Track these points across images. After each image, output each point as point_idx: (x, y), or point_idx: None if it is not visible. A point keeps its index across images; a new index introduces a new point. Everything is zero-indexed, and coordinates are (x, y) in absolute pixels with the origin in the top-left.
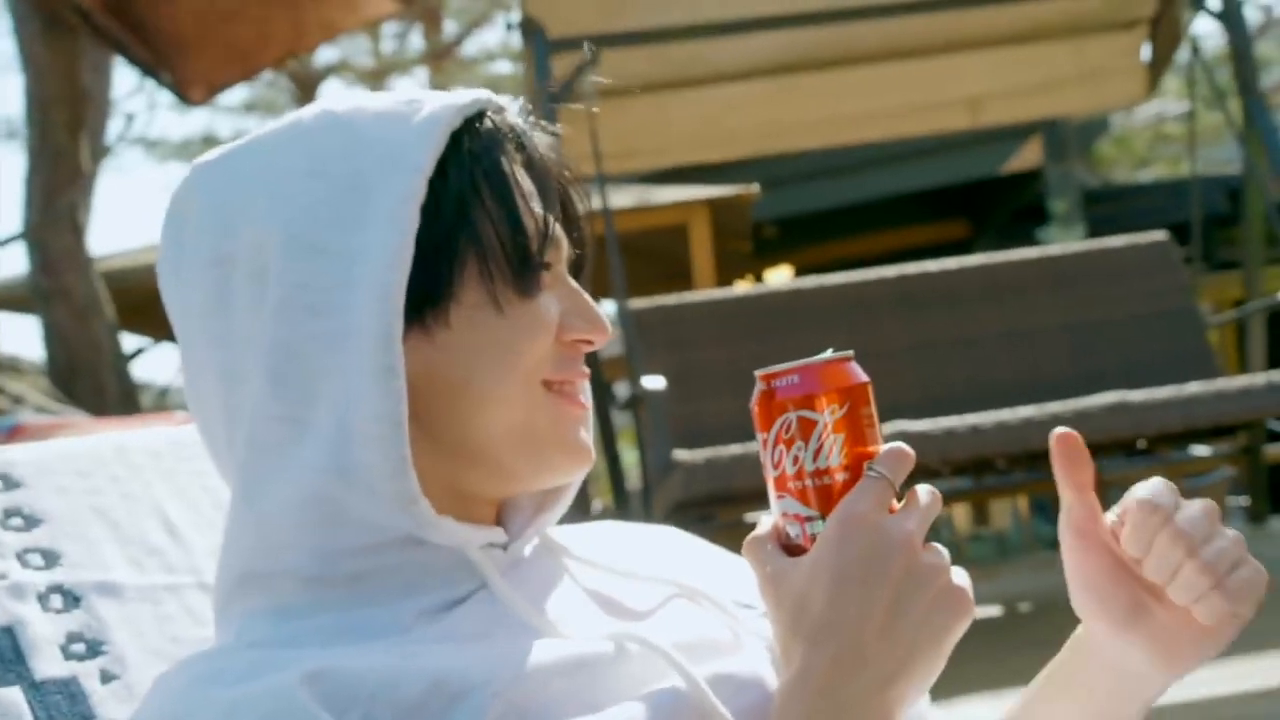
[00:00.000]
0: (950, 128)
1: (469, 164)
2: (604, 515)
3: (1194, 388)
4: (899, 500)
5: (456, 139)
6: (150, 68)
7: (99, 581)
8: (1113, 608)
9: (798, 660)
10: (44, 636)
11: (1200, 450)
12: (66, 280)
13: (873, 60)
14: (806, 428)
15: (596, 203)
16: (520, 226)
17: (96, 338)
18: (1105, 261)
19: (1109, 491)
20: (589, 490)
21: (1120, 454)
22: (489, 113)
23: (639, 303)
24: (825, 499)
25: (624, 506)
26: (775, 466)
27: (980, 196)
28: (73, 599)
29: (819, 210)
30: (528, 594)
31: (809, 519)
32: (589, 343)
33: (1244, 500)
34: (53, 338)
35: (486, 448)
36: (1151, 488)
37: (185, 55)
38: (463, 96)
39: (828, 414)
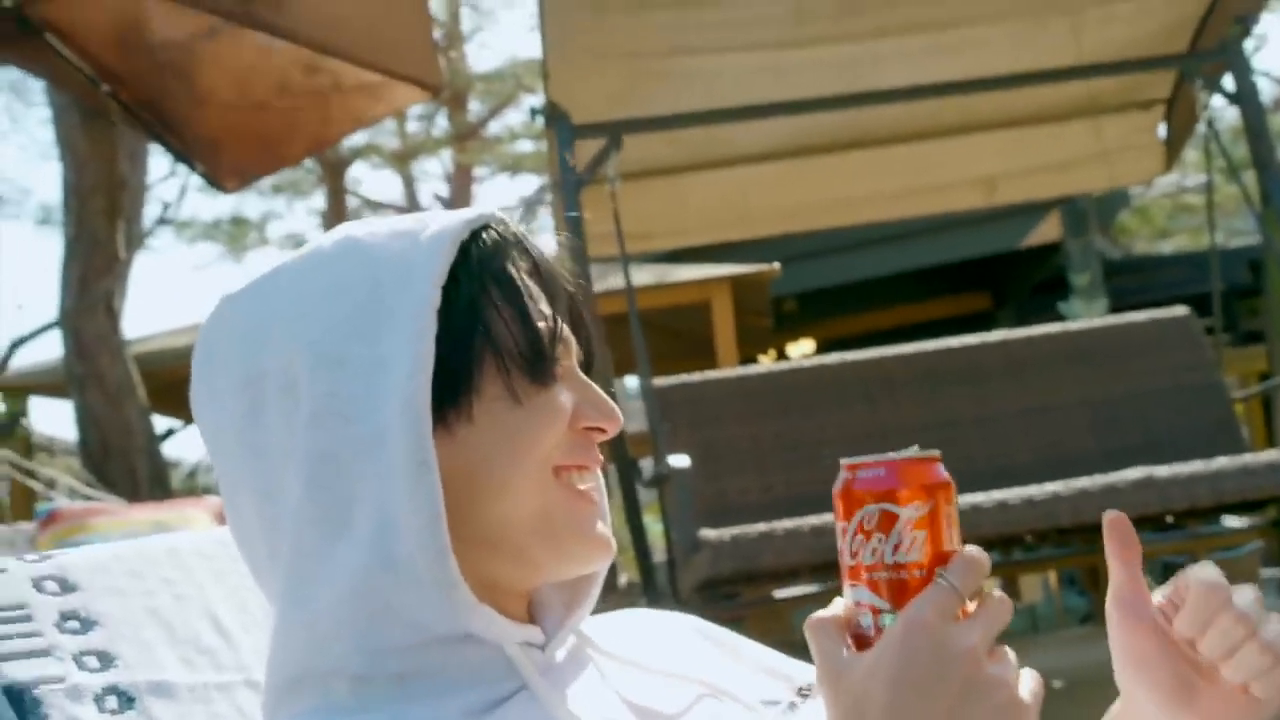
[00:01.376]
0: (965, 207)
1: (478, 270)
2: (630, 590)
3: (1221, 462)
4: (973, 602)
5: (465, 250)
6: (185, 157)
7: (153, 681)
8: (1164, 684)
9: None
10: None
11: (1231, 522)
12: (100, 365)
13: (888, 142)
14: (888, 521)
15: (619, 281)
16: (530, 322)
17: (129, 421)
18: (1127, 337)
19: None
20: (615, 563)
21: (1149, 527)
22: (493, 225)
23: (663, 381)
24: (900, 593)
25: (650, 581)
26: (853, 556)
27: (1001, 269)
28: (128, 700)
29: (840, 284)
30: (567, 694)
31: (881, 611)
32: (601, 431)
33: (1277, 572)
34: (86, 421)
35: (508, 535)
36: (1210, 571)
37: (217, 149)
38: (468, 213)
39: (911, 509)
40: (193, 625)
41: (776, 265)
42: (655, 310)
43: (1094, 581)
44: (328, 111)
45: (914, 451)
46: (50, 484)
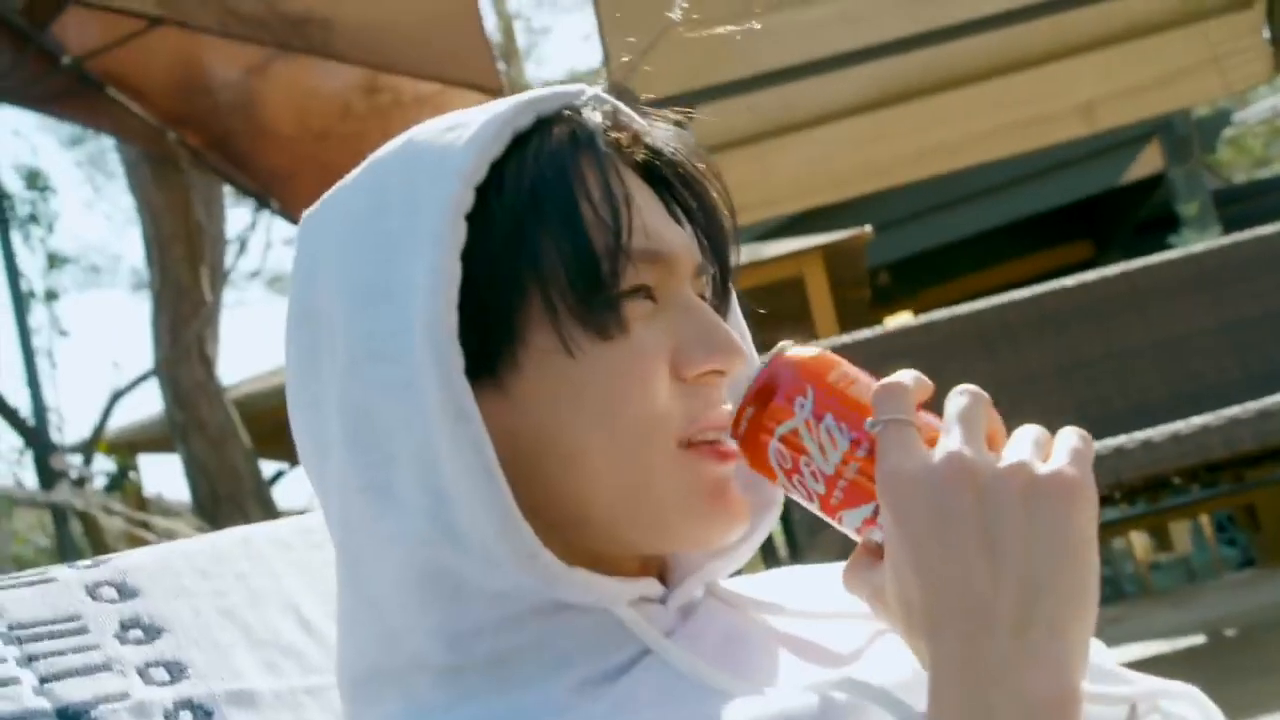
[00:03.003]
0: (1066, 137)
1: (531, 169)
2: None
3: None
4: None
5: (524, 140)
6: (258, 195)
7: (232, 691)
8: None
9: (930, 658)
10: None
11: None
12: (200, 412)
13: (973, 80)
14: (794, 440)
15: None
16: (583, 245)
17: (235, 465)
18: (1255, 254)
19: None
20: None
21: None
22: (576, 106)
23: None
24: (869, 481)
25: (795, 549)
26: (810, 498)
27: (1101, 212)
28: (205, 713)
29: (932, 249)
30: (703, 651)
31: (878, 512)
32: (721, 373)
33: None
34: (193, 470)
35: (590, 516)
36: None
37: (286, 182)
38: (541, 91)
39: (800, 415)
40: (273, 624)
41: (869, 229)
42: (748, 291)
43: (1252, 521)
44: (390, 129)
45: (756, 368)
46: (169, 536)
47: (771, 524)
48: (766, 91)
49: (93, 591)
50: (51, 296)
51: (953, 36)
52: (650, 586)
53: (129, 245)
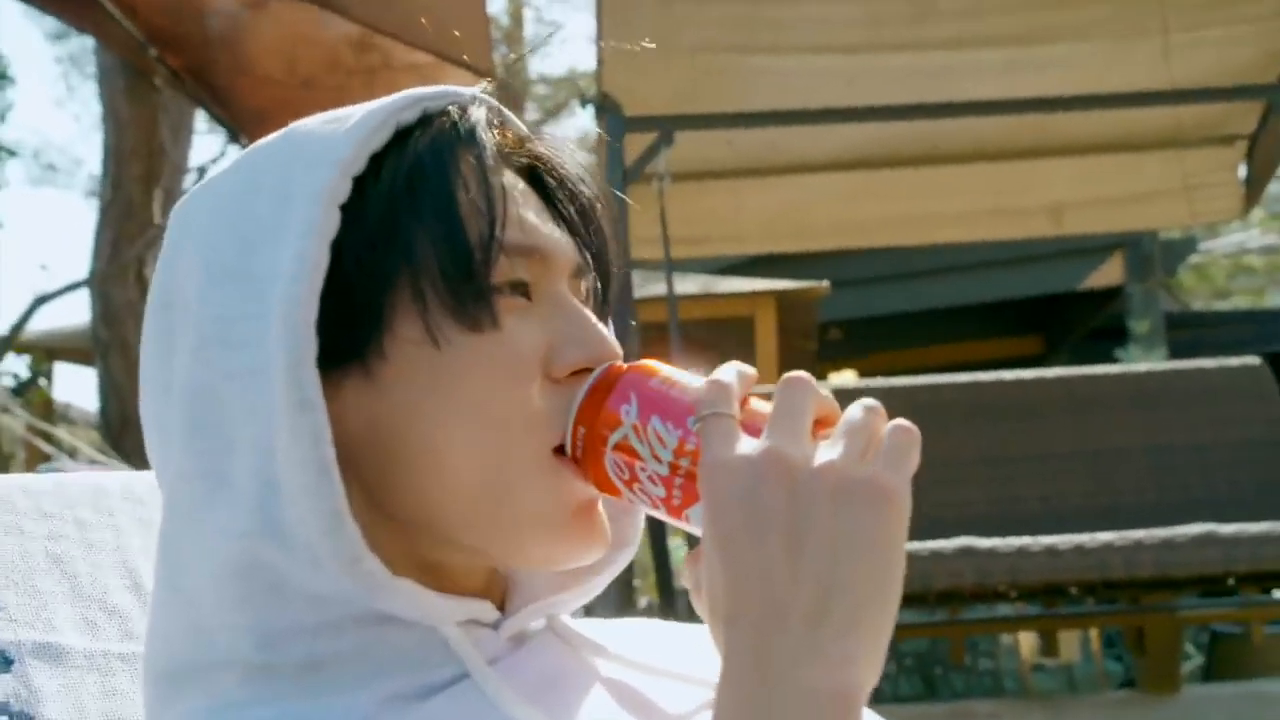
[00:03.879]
0: (1032, 234)
1: (409, 159)
2: (649, 613)
3: None
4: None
5: (407, 134)
6: (231, 129)
7: (40, 642)
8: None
9: (722, 653)
10: None
11: None
12: (126, 332)
13: (955, 160)
14: (626, 448)
15: (662, 288)
16: (456, 234)
17: None
18: (1194, 384)
19: (1185, 630)
20: (635, 585)
21: (1201, 590)
22: (459, 106)
23: None
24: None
25: (671, 605)
26: (656, 504)
27: (1056, 312)
28: (3, 660)
29: (887, 315)
30: (523, 685)
31: None
32: (591, 371)
33: None
34: (107, 389)
35: (440, 517)
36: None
37: (262, 122)
38: (427, 90)
39: (627, 420)
40: (103, 580)
41: (826, 284)
42: (696, 322)
43: (1139, 644)
44: (375, 91)
45: (583, 388)
46: (72, 452)
47: (624, 563)
48: (751, 130)
49: None
50: None
51: (942, 114)
52: (483, 609)
53: (93, 152)
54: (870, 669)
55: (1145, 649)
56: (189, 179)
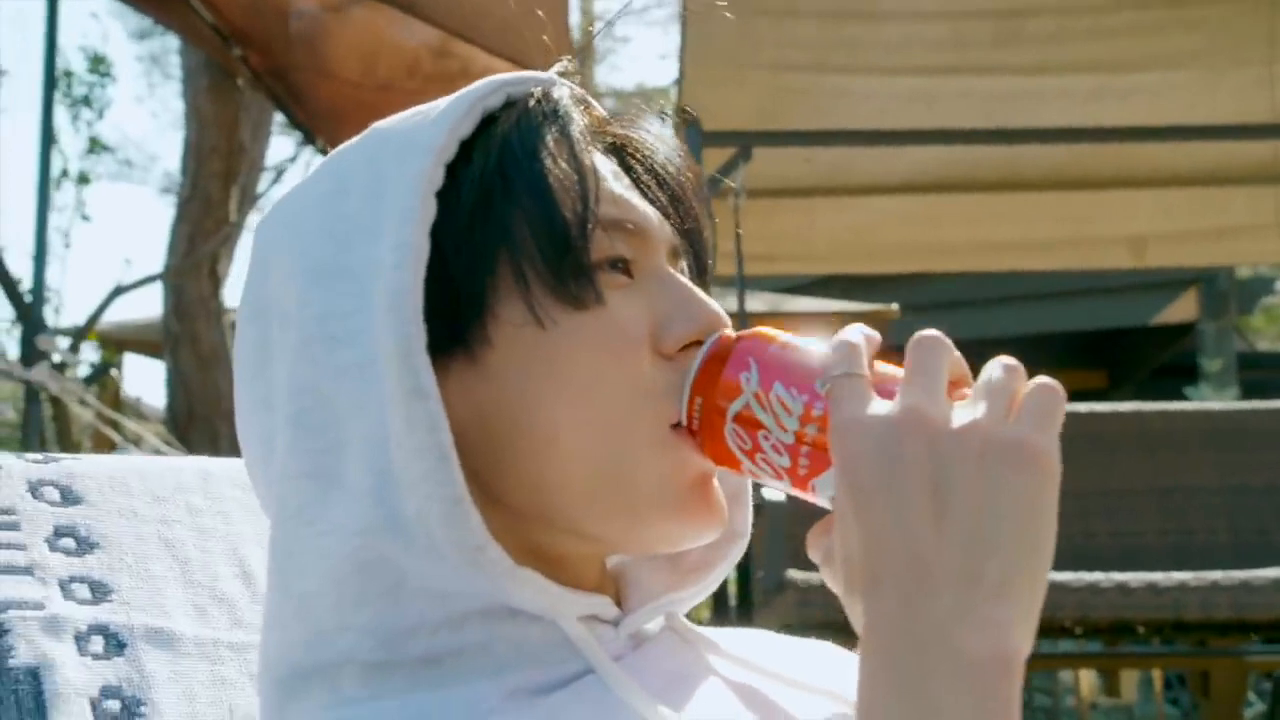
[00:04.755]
0: (1111, 266)
1: (499, 144)
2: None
3: None
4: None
5: (493, 120)
6: (307, 131)
7: (152, 627)
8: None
9: (866, 617)
10: (74, 686)
11: None
12: (197, 326)
13: (1034, 187)
14: (749, 418)
15: (733, 305)
16: (551, 212)
17: (218, 387)
18: (1270, 424)
19: (1249, 676)
20: None
21: (1262, 636)
22: (542, 89)
23: None
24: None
25: (721, 621)
26: (778, 474)
27: (1124, 346)
28: (117, 644)
29: (955, 341)
30: (649, 683)
31: None
32: (702, 344)
33: None
34: (175, 383)
35: (558, 503)
36: None
37: (339, 124)
38: (510, 75)
39: (748, 389)
40: (213, 567)
41: (895, 307)
42: None
43: (1203, 687)
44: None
45: (697, 359)
46: (136, 440)
47: (738, 556)
48: (828, 149)
49: (35, 489)
50: (84, 180)
51: (1021, 140)
52: (604, 605)
53: (168, 148)
54: (1026, 635)
55: (1209, 693)
56: (266, 178)
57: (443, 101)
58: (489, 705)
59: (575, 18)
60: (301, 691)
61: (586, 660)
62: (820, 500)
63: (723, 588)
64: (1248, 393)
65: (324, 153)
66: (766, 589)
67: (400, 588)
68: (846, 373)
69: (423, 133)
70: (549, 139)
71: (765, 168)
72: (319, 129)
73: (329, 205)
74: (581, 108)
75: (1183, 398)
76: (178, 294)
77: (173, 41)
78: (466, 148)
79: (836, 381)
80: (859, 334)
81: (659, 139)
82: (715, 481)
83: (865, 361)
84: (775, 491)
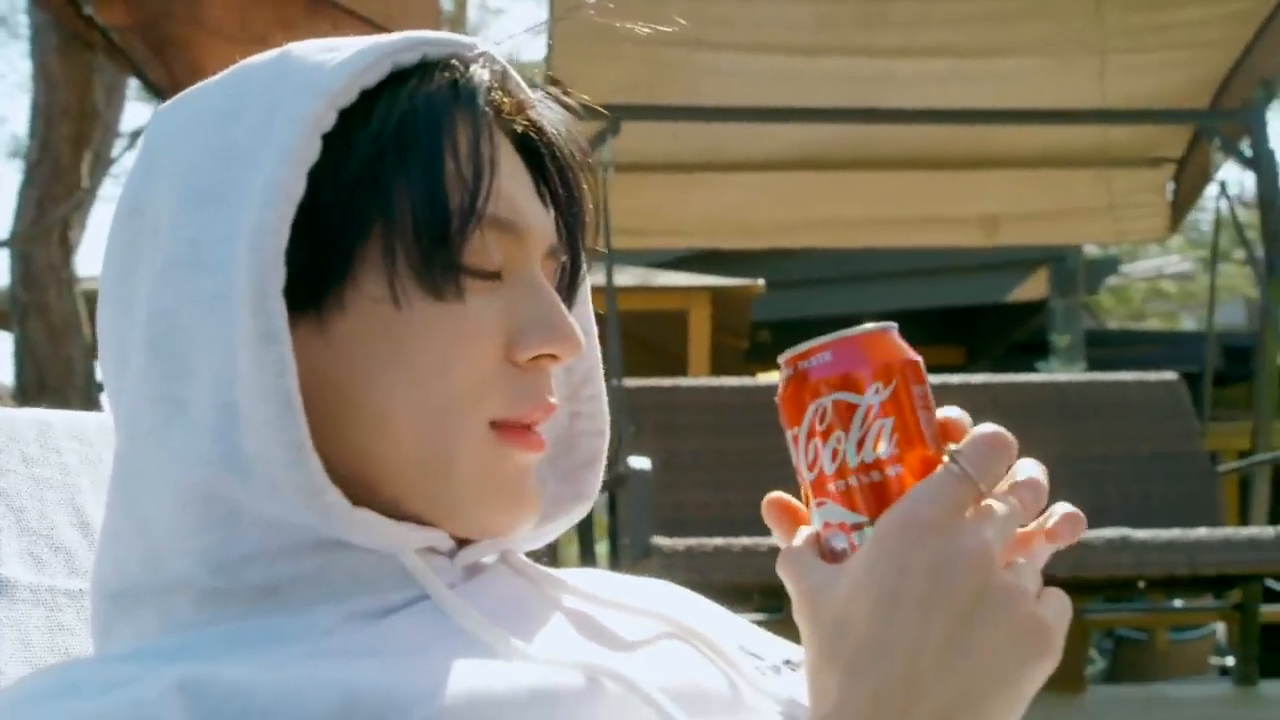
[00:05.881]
0: (965, 244)
1: (403, 105)
2: None
3: (1202, 532)
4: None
5: (402, 77)
6: (164, 91)
7: None
8: None
9: (832, 694)
10: None
11: (1191, 603)
12: (47, 296)
13: (896, 166)
14: (845, 413)
15: (601, 278)
16: (438, 197)
17: (70, 359)
18: (1113, 396)
19: (1091, 635)
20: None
21: (1110, 595)
22: (462, 56)
23: (634, 382)
24: (876, 499)
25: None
26: (811, 467)
27: (980, 323)
28: None
29: (815, 318)
30: (482, 606)
31: (857, 527)
32: (553, 358)
33: (1229, 660)
34: (24, 353)
35: (382, 480)
36: None
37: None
38: (432, 34)
39: (871, 394)
40: (49, 516)
41: (761, 283)
42: (632, 314)
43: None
44: None
45: (866, 326)
46: None
47: (581, 515)
48: (696, 125)
49: None
50: None
51: (881, 120)
52: (440, 538)
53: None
54: None
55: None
56: (121, 144)
57: (355, 42)
58: (325, 626)
59: None
60: (133, 610)
61: (422, 587)
62: (811, 513)
63: (594, 554)
64: (1094, 367)
65: None
66: (634, 555)
67: (236, 518)
68: (967, 470)
69: (324, 73)
70: (455, 116)
71: (635, 143)
72: (182, 88)
73: (220, 125)
74: (499, 88)
75: (1035, 372)
76: (25, 262)
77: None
78: (369, 98)
79: (959, 473)
80: (1005, 442)
81: (570, 131)
82: (531, 476)
83: (993, 476)
84: (641, 461)
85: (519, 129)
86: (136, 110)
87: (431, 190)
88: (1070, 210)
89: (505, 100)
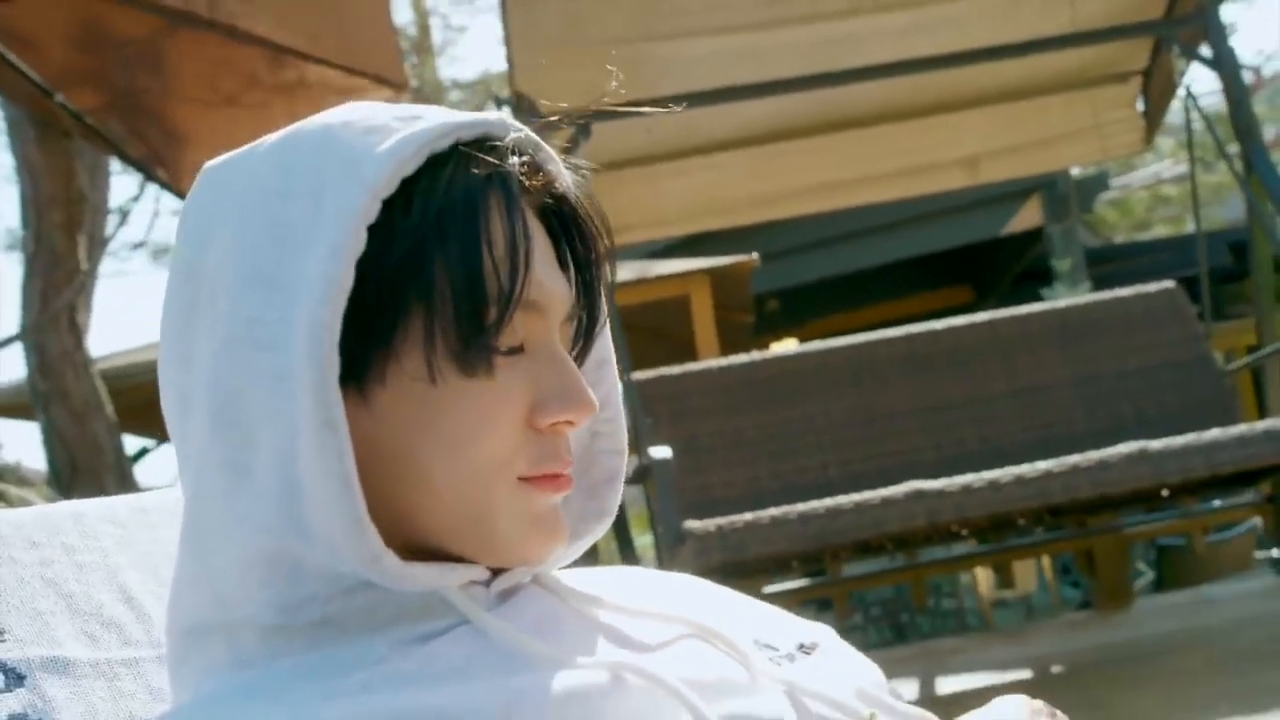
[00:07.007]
0: (948, 187)
1: (441, 193)
2: None
3: (1215, 433)
4: None
5: (440, 161)
6: (145, 165)
7: (47, 657)
8: None
9: None
10: None
11: (1225, 502)
12: (65, 381)
13: (867, 123)
14: None
15: None
16: (477, 288)
17: (97, 439)
18: (1114, 313)
19: (1132, 546)
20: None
21: (1142, 507)
22: (498, 137)
23: (643, 374)
24: None
25: None
26: None
27: (982, 260)
28: (16, 677)
29: (820, 280)
30: (518, 625)
31: None
32: (570, 424)
33: (1274, 552)
34: (53, 440)
35: (429, 530)
36: None
37: (183, 147)
38: (471, 116)
39: None
40: (95, 596)
41: (755, 256)
42: (634, 307)
43: (1089, 566)
44: (296, 108)
45: None
46: (23, 503)
47: (603, 531)
48: (665, 116)
49: None
50: None
51: (847, 80)
52: (478, 572)
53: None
54: None
55: (1096, 570)
56: (112, 220)
57: (396, 130)
58: (377, 655)
59: (407, 15)
60: (202, 643)
61: (462, 614)
62: None
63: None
64: (1100, 286)
65: (165, 187)
66: (668, 542)
67: (299, 570)
68: None
69: (369, 163)
70: (490, 203)
71: (608, 142)
72: (162, 159)
73: (273, 205)
74: (527, 168)
75: (1041, 299)
76: (40, 352)
77: None
78: (408, 184)
79: None
80: None
81: (594, 203)
82: (559, 510)
83: None
84: (662, 450)
85: (547, 202)
86: (122, 184)
87: (471, 281)
88: (1047, 138)
89: (534, 180)
